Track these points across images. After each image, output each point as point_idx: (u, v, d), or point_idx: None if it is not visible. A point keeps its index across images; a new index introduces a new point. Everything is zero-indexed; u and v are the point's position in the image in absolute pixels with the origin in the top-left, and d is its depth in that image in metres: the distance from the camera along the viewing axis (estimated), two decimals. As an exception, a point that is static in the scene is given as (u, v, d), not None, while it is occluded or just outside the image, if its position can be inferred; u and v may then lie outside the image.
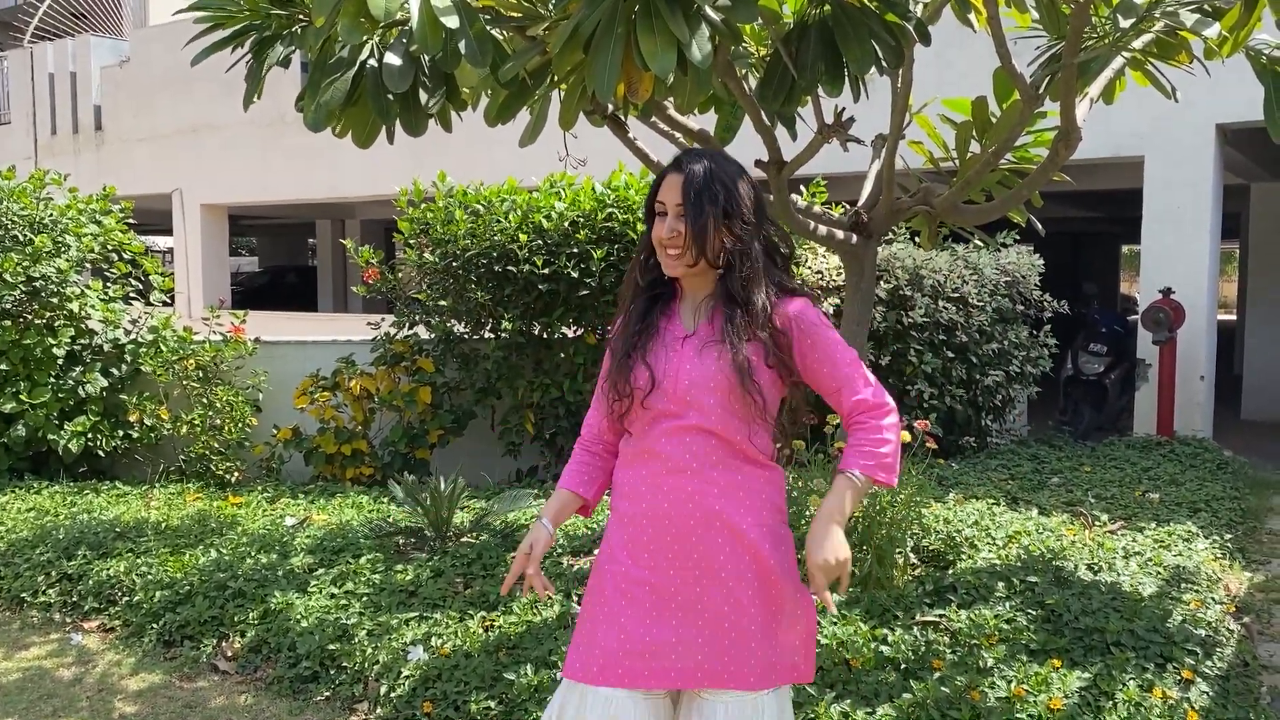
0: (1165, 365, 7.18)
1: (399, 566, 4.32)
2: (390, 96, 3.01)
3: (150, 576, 4.37)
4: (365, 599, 4.02)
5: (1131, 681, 3.07)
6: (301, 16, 3.22)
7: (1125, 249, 23.22)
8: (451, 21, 2.71)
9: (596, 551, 4.44)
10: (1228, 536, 4.87)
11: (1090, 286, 10.85)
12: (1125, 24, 3.63)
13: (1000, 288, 6.78)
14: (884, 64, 3.02)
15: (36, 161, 14.58)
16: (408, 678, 3.43)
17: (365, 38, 2.92)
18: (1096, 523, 4.85)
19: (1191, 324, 7.34)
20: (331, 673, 3.61)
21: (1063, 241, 16.32)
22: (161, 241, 21.78)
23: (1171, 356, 7.17)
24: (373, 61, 3.06)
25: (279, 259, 24.23)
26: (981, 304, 6.55)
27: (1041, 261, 7.16)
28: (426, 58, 3.03)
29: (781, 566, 2.00)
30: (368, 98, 3.03)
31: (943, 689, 2.91)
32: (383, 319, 6.60)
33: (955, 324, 6.39)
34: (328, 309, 18.37)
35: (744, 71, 3.76)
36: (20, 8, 17.17)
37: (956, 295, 6.47)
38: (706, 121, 4.00)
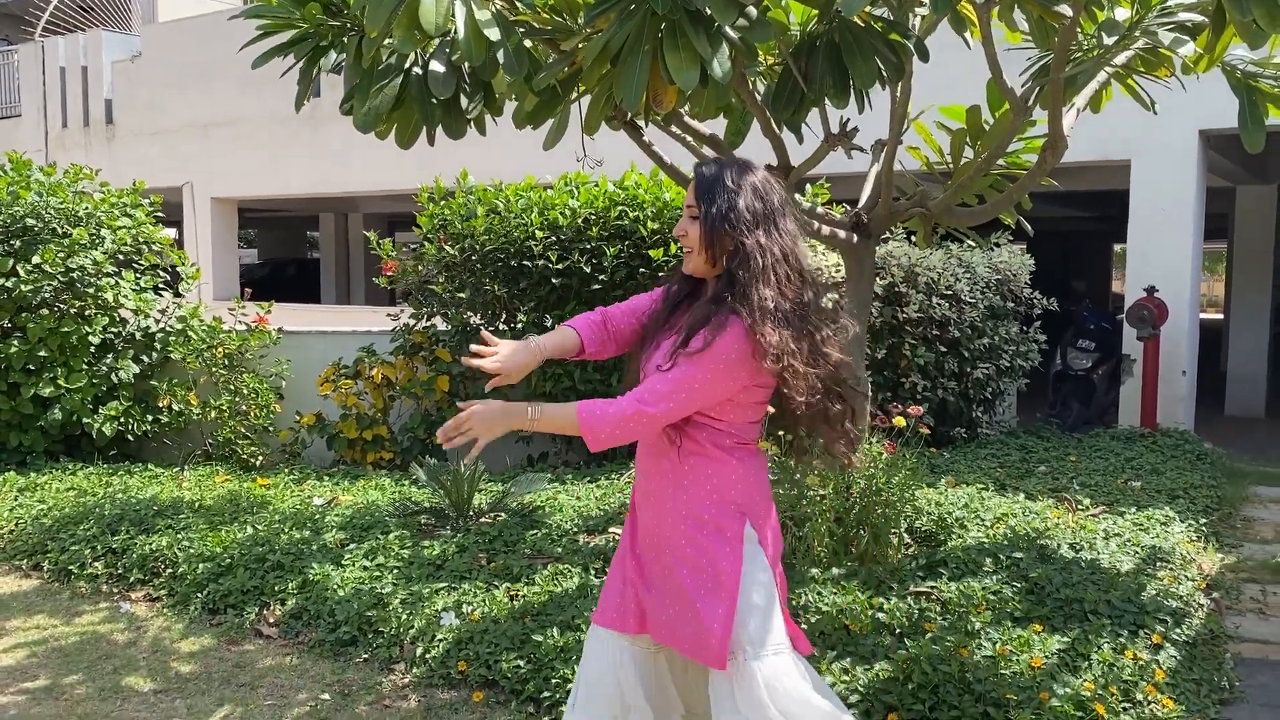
0: (1149, 360, 7.49)
1: (425, 542, 4.60)
2: (434, 101, 3.29)
3: (192, 550, 4.65)
4: (396, 571, 4.30)
5: (1106, 645, 3.37)
6: (350, 26, 3.50)
7: (1117, 248, 23.54)
8: (493, 34, 2.99)
9: (615, 529, 4.75)
10: (1203, 521, 5.13)
11: (1079, 284, 11.15)
12: (1109, 41, 3.93)
13: (992, 285, 7.08)
14: (886, 79, 3.31)
15: (47, 154, 14.81)
16: (441, 640, 3.72)
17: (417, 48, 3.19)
18: (1079, 507, 5.14)
19: (1174, 321, 7.65)
20: (369, 637, 3.90)
21: (1054, 241, 16.67)
22: (164, 232, 21.90)
23: (1155, 352, 7.48)
24: (417, 69, 3.34)
25: (278, 251, 24.41)
26: (973, 300, 6.84)
27: (1032, 261, 7.45)
28: (467, 66, 3.31)
29: (695, 549, 2.21)
30: (413, 102, 3.31)
31: (934, 647, 3.20)
32: (401, 310, 6.87)
33: (948, 319, 6.68)
34: (330, 301, 18.59)
35: (753, 79, 4.04)
36: (31, 1, 17.38)
37: (950, 292, 6.76)
38: (717, 126, 4.27)
